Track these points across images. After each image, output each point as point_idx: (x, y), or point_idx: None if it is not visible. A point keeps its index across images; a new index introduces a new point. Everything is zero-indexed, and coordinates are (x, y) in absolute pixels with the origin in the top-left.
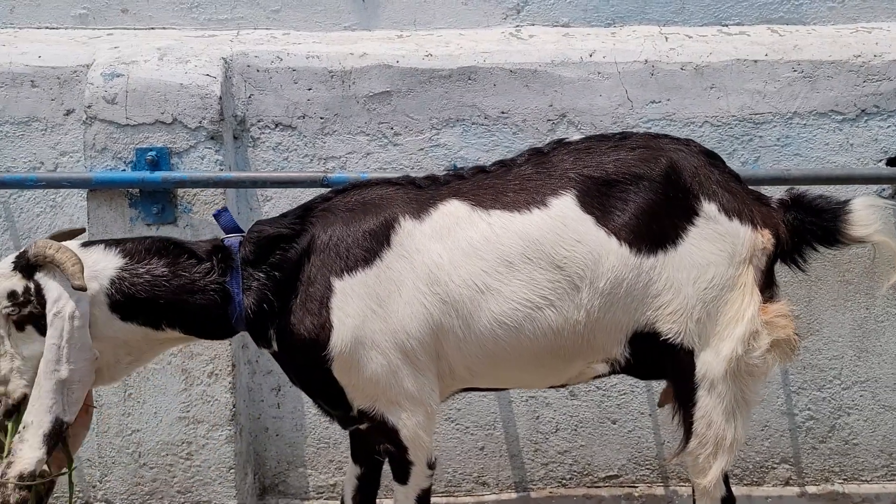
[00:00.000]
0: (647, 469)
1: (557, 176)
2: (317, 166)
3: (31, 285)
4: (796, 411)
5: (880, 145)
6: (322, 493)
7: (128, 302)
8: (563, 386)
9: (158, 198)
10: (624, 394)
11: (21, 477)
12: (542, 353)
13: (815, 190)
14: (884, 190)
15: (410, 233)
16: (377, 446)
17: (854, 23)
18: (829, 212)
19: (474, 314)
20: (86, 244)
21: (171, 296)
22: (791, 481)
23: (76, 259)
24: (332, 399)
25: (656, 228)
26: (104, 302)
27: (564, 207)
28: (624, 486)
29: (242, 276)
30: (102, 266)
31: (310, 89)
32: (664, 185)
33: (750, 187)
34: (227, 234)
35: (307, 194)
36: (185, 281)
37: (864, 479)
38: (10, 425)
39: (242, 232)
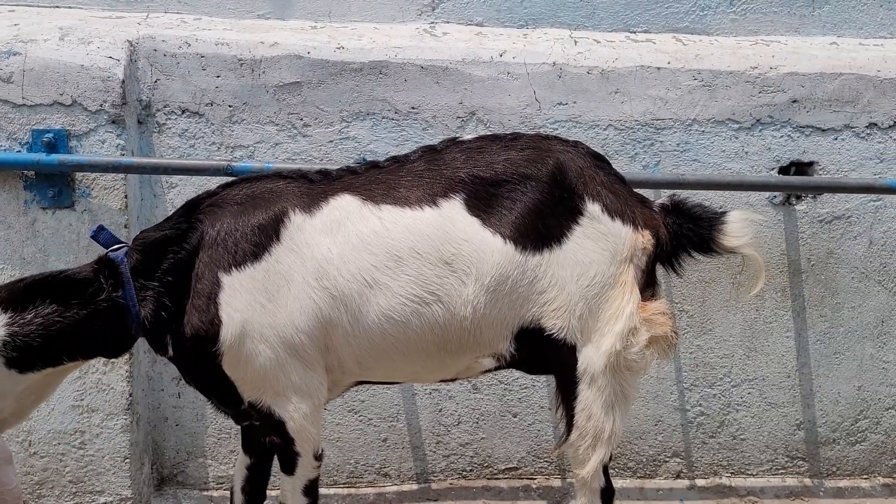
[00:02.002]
0: (546, 462)
1: (448, 175)
2: (224, 154)
3: None
4: (688, 407)
5: (773, 154)
6: (222, 483)
7: (23, 355)
8: (452, 380)
9: (55, 181)
10: (525, 388)
11: None
12: (429, 347)
13: (710, 195)
14: (775, 197)
15: (300, 227)
16: (265, 438)
17: (755, 35)
18: (705, 220)
19: (363, 308)
20: None
21: (67, 330)
22: (682, 474)
23: None
24: (224, 395)
25: (542, 227)
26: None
27: (453, 208)
28: (523, 479)
29: (135, 288)
30: None
31: (218, 76)
32: (550, 186)
33: (636, 190)
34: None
35: (213, 182)
36: (76, 310)
37: (750, 472)
38: None
39: (125, 244)
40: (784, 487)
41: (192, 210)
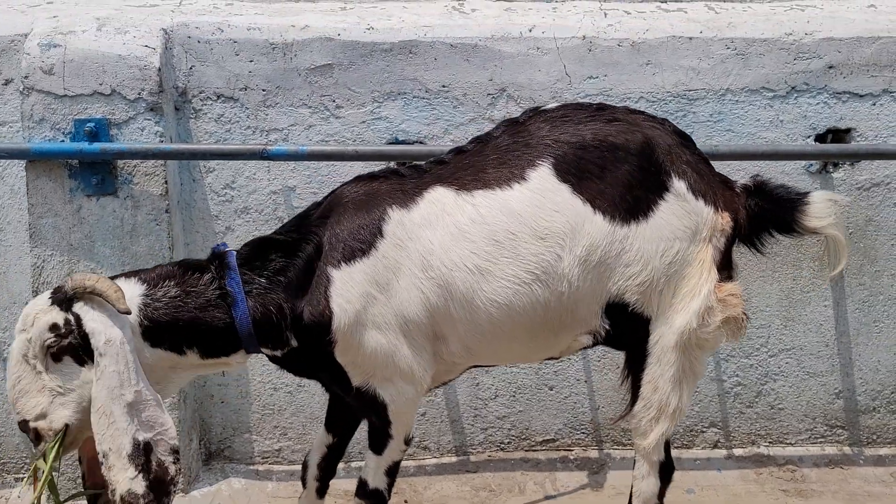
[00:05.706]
0: (583, 433)
1: (534, 145)
2: (259, 138)
3: (71, 317)
4: (725, 377)
5: (809, 122)
6: (267, 458)
7: (155, 327)
8: (556, 358)
9: (98, 169)
10: (560, 362)
11: (123, 500)
12: (533, 327)
13: (744, 164)
14: (811, 165)
15: (401, 222)
16: (363, 417)
17: (789, 0)
18: (788, 201)
19: (467, 295)
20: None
21: (186, 314)
22: (719, 444)
23: (116, 287)
24: (341, 384)
25: (630, 199)
26: (137, 331)
27: (542, 178)
28: (560, 450)
29: (243, 281)
30: (130, 294)
31: (251, 61)
32: (639, 159)
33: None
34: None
35: (249, 166)
36: (193, 297)
37: (788, 441)
38: (50, 452)
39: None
40: (823, 456)
41: (303, 220)
